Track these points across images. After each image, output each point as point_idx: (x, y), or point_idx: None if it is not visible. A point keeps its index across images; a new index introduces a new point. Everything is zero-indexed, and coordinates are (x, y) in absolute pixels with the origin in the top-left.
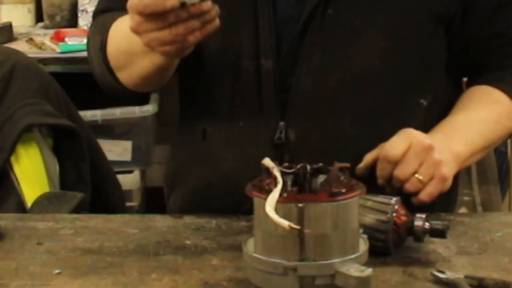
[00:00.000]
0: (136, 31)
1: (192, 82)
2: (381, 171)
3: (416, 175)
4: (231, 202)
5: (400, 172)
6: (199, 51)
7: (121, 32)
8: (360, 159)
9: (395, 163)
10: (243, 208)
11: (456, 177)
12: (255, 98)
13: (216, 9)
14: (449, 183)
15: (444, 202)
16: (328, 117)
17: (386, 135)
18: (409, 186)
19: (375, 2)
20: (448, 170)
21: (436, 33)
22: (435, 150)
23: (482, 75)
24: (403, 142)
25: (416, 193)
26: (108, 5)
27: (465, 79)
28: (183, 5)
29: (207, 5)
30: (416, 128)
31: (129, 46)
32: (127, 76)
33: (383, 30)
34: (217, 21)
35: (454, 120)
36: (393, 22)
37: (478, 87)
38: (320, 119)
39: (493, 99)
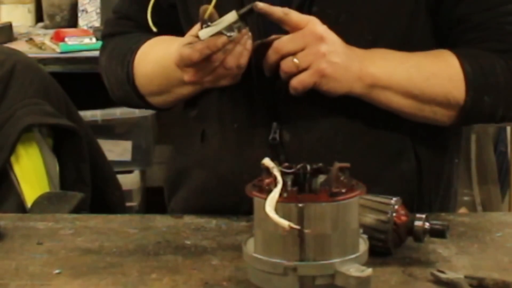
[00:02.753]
0: (193, 81)
1: None
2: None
3: (294, 59)
4: (230, 203)
5: (280, 43)
6: None
7: (151, 67)
8: (357, 158)
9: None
10: (241, 209)
11: (453, 176)
12: (248, 99)
13: (249, 32)
14: (327, 81)
15: (444, 202)
16: (322, 116)
17: (382, 131)
18: (283, 65)
19: None
20: (332, 69)
21: (422, 25)
22: (324, 43)
23: None
24: (302, 17)
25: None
26: (114, 30)
27: None
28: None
29: (246, 30)
30: (411, 123)
31: (164, 80)
32: (162, 101)
33: (369, 24)
34: (250, 41)
35: (389, 51)
36: (378, 17)
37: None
38: (313, 118)
39: (442, 57)
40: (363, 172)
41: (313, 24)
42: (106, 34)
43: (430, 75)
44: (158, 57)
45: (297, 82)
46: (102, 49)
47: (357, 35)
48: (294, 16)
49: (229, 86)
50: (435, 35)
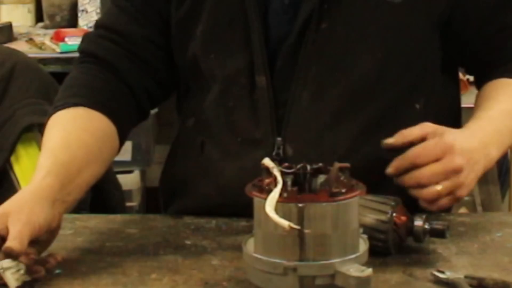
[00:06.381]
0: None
1: (191, 98)
2: (398, 163)
3: (436, 186)
4: (229, 214)
5: (422, 177)
6: (194, 69)
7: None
8: (360, 173)
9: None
10: (242, 216)
11: None
12: (252, 114)
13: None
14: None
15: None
16: (326, 132)
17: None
18: (426, 195)
19: (370, 15)
20: (465, 193)
21: (432, 39)
22: (464, 172)
23: (493, 70)
24: (439, 148)
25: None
26: (92, 49)
27: (467, 77)
28: None
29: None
30: None
31: None
32: None
33: (379, 42)
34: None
35: (488, 116)
36: (389, 34)
37: (496, 81)
38: (317, 134)
39: None
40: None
41: (450, 154)
42: (82, 49)
43: None
44: (43, 143)
45: (437, 207)
46: (73, 68)
47: (367, 53)
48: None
49: (235, 100)
50: (443, 49)
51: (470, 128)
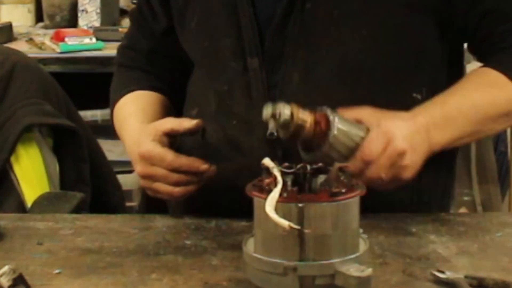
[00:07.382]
0: (140, 175)
1: (191, 84)
2: (353, 166)
3: (382, 173)
4: (229, 199)
5: (370, 173)
6: (194, 60)
7: (117, 126)
8: None
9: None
10: (241, 205)
11: (452, 174)
12: (246, 96)
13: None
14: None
15: (443, 201)
16: None
17: None
18: (370, 182)
19: None
20: (411, 175)
21: (423, 23)
22: (407, 155)
23: (487, 56)
24: (380, 142)
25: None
26: (121, 61)
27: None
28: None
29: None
30: None
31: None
32: None
33: (363, 20)
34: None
35: (445, 100)
36: (372, 11)
37: (478, 69)
38: None
39: (491, 81)
40: None
41: (393, 141)
42: (115, 62)
43: (489, 108)
44: (121, 120)
45: (383, 189)
46: (115, 75)
47: (352, 30)
48: (372, 152)
49: (229, 84)
50: (442, 38)
51: (413, 111)
